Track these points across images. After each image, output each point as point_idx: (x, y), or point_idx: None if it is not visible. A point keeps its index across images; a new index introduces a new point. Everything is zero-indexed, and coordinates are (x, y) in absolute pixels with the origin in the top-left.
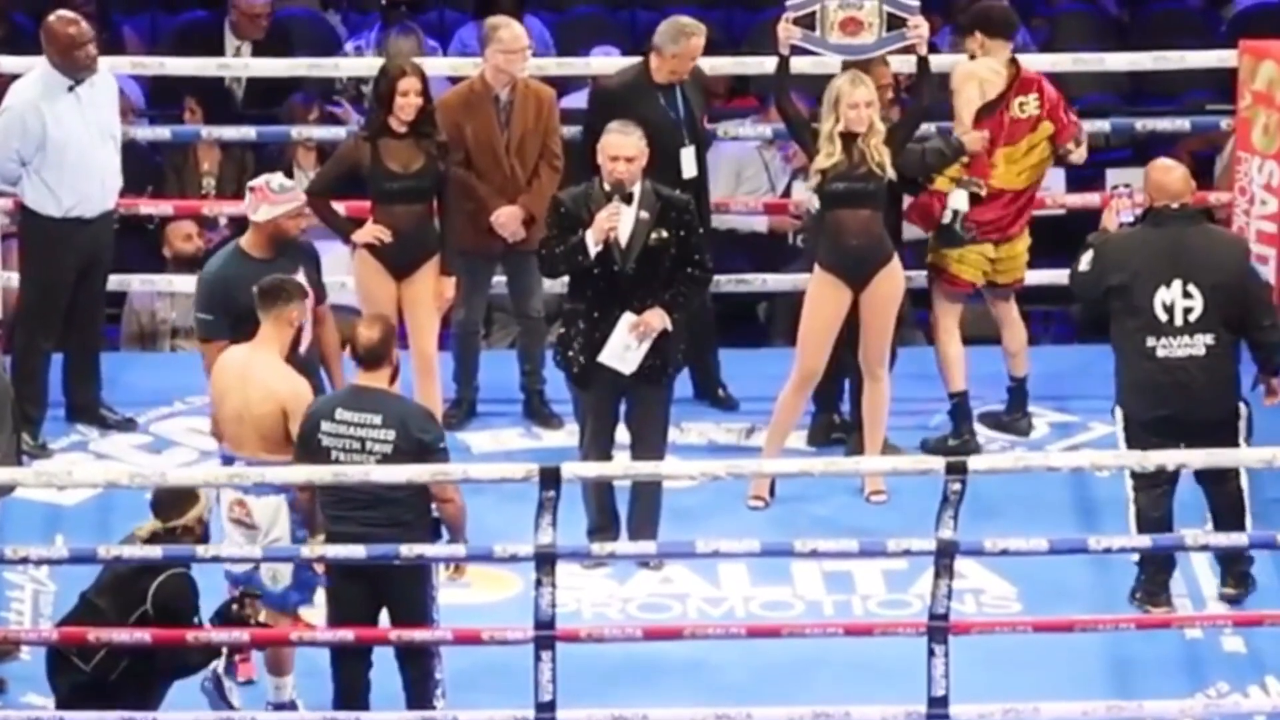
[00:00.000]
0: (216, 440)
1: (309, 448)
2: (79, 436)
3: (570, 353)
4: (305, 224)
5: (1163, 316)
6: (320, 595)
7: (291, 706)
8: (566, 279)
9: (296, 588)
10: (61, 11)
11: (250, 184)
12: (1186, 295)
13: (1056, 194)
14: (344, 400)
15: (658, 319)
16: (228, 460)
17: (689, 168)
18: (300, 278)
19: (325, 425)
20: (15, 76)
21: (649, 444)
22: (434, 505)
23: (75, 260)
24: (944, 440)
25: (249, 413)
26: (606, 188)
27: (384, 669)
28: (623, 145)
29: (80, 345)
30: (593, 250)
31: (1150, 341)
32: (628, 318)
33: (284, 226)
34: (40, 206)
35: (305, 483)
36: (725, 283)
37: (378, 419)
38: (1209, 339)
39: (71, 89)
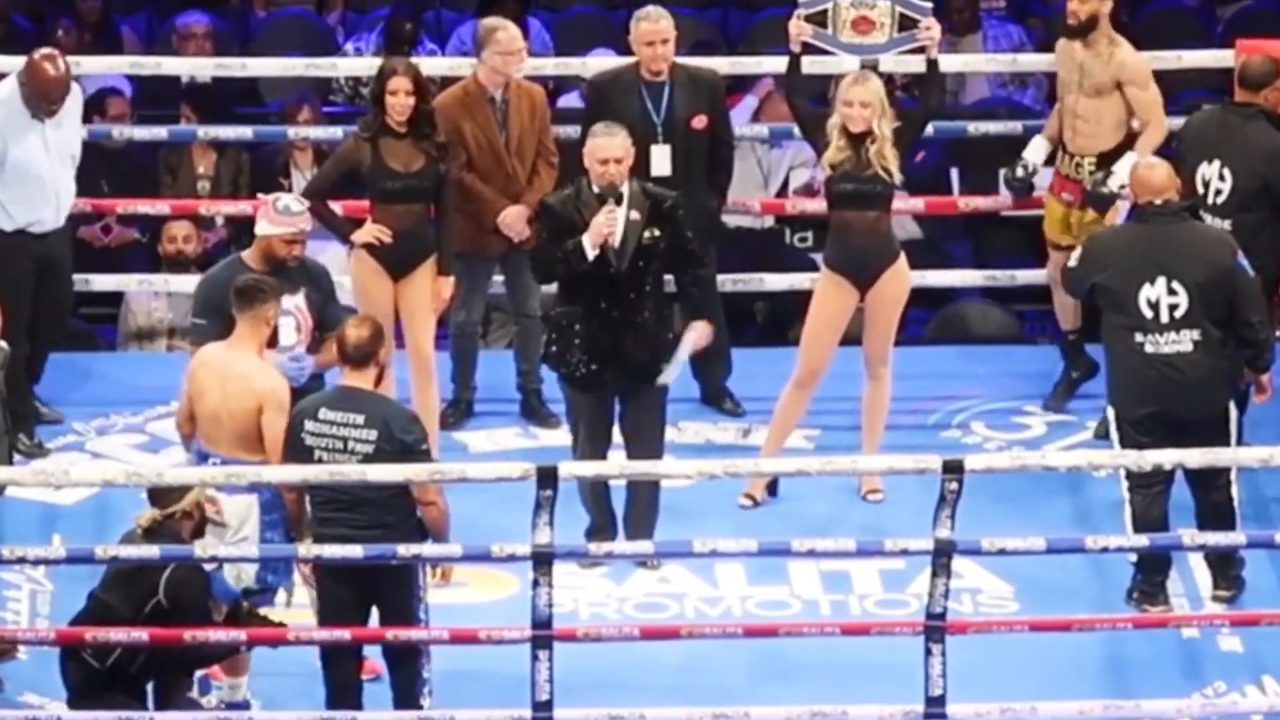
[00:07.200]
0: (183, 438)
1: (294, 447)
2: (75, 436)
3: (572, 356)
4: (300, 250)
5: (1148, 313)
6: (281, 596)
7: (245, 706)
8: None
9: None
10: (47, 50)
11: (262, 196)
12: (1171, 292)
13: None
14: (328, 400)
15: (705, 335)
16: (202, 457)
17: (660, 165)
18: (300, 299)
19: (309, 424)
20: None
21: (646, 444)
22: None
23: (31, 265)
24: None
25: (226, 410)
26: (596, 190)
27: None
28: (610, 147)
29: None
30: (590, 254)
31: (1138, 338)
32: (689, 340)
33: (275, 247)
34: None
35: (299, 482)
36: (723, 282)
37: (360, 419)
38: (1196, 335)
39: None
